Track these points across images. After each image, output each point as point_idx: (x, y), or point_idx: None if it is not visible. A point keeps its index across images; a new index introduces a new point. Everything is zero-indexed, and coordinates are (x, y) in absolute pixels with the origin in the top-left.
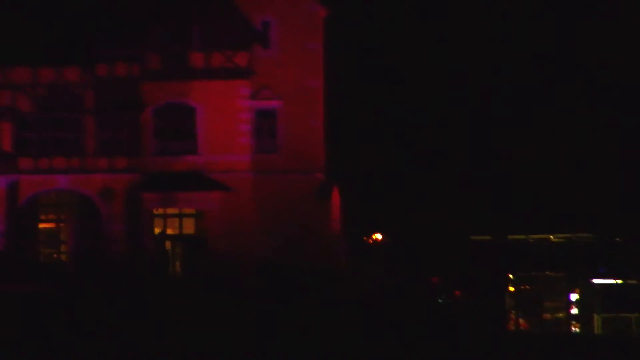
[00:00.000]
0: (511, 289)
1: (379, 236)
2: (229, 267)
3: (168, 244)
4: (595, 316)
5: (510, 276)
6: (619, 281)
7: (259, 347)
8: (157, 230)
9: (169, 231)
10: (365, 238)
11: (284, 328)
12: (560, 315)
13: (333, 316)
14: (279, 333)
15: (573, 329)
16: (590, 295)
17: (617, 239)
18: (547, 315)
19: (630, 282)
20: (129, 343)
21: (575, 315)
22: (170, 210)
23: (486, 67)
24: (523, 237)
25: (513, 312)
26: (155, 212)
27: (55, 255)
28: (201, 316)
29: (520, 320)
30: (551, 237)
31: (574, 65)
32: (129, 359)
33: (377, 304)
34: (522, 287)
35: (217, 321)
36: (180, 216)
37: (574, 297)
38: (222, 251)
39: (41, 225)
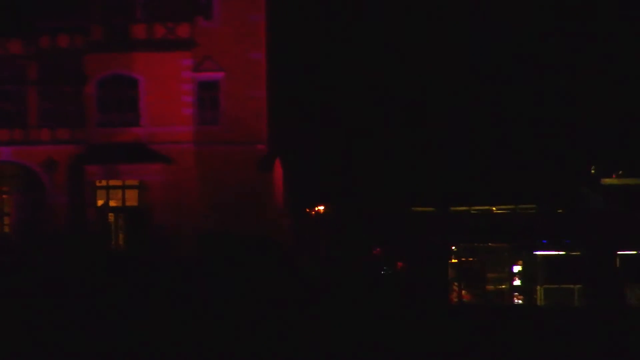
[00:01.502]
0: (454, 260)
1: (321, 208)
2: (171, 238)
3: (111, 216)
4: (538, 287)
5: (453, 248)
6: (562, 252)
7: (202, 318)
8: (99, 202)
9: (112, 203)
10: (308, 210)
11: (226, 299)
12: (503, 286)
13: (275, 287)
14: (221, 303)
15: (516, 300)
16: (533, 267)
17: (560, 211)
18: (490, 287)
19: (572, 253)
20: (73, 315)
21: (518, 286)
22: (113, 182)
23: (427, 39)
24: (465, 208)
25: (456, 283)
26: (98, 184)
27: None
28: (143, 288)
29: (463, 292)
30: (494, 208)
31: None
32: (74, 331)
33: (319, 275)
34: (464, 258)
35: (159, 292)
36: (123, 188)
37: (516, 268)
38: (164, 223)
39: None
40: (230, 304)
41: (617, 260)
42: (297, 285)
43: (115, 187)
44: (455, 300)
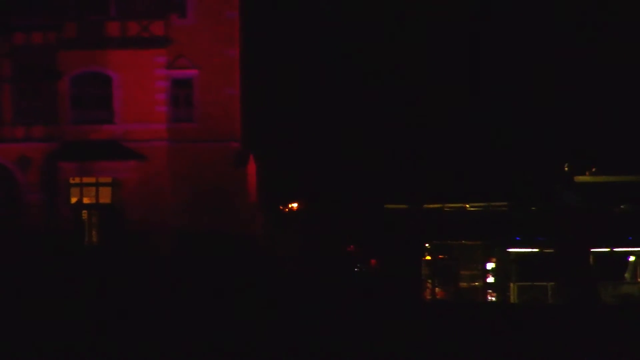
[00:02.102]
0: (427, 257)
1: (295, 205)
2: (145, 235)
3: (85, 213)
4: (512, 285)
5: (427, 245)
6: (535, 250)
7: (176, 315)
8: (73, 200)
9: (86, 200)
10: (281, 207)
11: (200, 296)
12: (477, 284)
13: (249, 283)
14: (194, 300)
15: (489, 297)
16: (506, 264)
17: (533, 208)
18: (464, 284)
19: (546, 250)
20: (47, 312)
21: (491, 284)
22: (86, 180)
23: (403, 36)
24: (439, 206)
25: (429, 281)
26: (71, 181)
27: None
28: (117, 284)
29: (437, 289)
30: (467, 206)
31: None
32: (46, 328)
33: (293, 273)
34: (438, 256)
35: (133, 289)
36: (97, 185)
37: (490, 265)
38: (138, 220)
39: None
40: (204, 300)
41: (591, 257)
42: (271, 282)
43: (89, 185)
44: (429, 297)
